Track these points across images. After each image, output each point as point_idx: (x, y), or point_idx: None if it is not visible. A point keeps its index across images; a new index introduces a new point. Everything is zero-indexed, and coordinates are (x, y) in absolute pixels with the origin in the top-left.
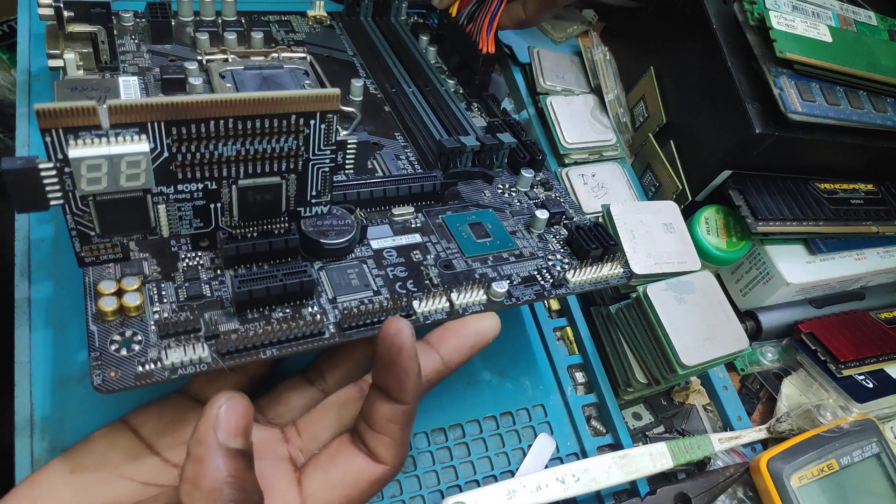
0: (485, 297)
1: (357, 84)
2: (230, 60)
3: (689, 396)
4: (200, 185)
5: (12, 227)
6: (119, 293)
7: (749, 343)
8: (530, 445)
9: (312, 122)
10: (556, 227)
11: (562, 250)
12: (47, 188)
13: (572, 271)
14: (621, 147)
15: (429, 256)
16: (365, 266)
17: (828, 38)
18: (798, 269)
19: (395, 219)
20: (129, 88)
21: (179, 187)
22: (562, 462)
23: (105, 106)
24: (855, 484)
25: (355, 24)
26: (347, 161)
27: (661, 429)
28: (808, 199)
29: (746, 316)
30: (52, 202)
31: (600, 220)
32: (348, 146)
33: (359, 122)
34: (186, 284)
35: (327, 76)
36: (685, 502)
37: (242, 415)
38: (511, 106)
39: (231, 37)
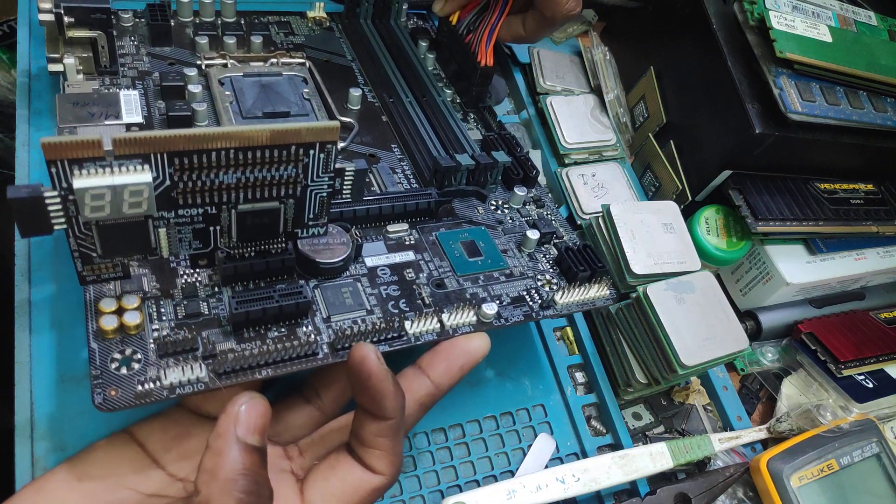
0: (475, 317)
1: (355, 93)
2: (229, 66)
3: (689, 396)
4: (200, 210)
5: (13, 227)
6: (119, 311)
7: (749, 343)
8: (530, 445)
9: (312, 151)
10: (546, 245)
11: (551, 270)
12: (51, 215)
13: (560, 292)
14: (621, 147)
15: (422, 275)
16: (359, 284)
17: (828, 38)
18: (798, 269)
19: (390, 235)
20: (130, 104)
21: (180, 212)
22: (562, 462)
23: (109, 139)
24: (855, 484)
25: (355, 26)
26: (345, 188)
27: (661, 429)
28: (808, 199)
29: (746, 316)
30: (56, 227)
31: (600, 220)
32: (346, 174)
33: (356, 132)
34: (185, 302)
35: (326, 83)
36: (685, 502)
37: (261, 414)
38: (511, 106)
39: (230, 41)
